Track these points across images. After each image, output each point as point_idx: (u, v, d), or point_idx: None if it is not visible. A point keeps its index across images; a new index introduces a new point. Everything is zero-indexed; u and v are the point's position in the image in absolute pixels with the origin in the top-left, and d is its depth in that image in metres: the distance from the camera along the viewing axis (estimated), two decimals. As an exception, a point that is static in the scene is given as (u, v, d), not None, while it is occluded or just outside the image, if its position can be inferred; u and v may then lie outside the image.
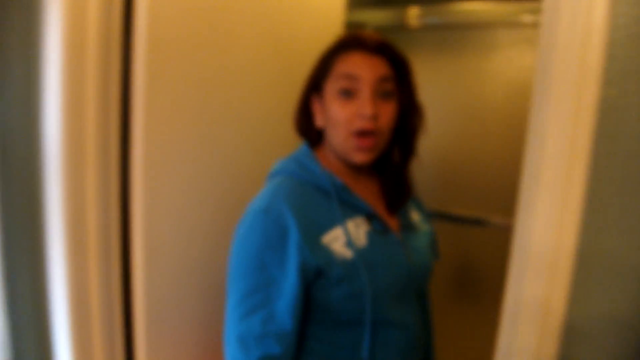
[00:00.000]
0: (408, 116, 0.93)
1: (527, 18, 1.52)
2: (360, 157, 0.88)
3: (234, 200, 1.09)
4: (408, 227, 0.99)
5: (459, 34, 1.76)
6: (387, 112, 0.87)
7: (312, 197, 0.88)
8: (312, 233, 0.83)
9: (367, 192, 0.96)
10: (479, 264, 1.93)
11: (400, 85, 0.90)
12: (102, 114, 0.91)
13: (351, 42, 0.88)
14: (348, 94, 0.85)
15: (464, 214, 1.80)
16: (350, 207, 0.90)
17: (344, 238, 0.85)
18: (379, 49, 0.87)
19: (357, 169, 0.94)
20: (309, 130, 0.96)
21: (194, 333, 1.11)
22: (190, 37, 0.97)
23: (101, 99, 0.91)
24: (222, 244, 1.07)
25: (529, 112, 0.88)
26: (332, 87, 0.88)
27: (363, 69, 0.85)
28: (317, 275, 0.83)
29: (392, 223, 0.96)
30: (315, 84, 0.92)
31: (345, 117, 0.85)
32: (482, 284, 1.92)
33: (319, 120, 0.92)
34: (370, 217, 0.91)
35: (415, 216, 1.03)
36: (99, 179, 0.92)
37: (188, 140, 1.04)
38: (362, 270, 0.84)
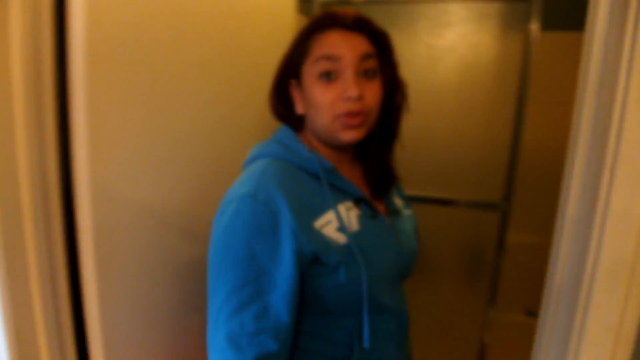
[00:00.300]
0: (392, 94, 0.90)
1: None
2: (349, 136, 0.83)
3: (195, 192, 1.05)
4: (394, 212, 0.97)
5: (410, 8, 1.72)
6: (373, 91, 0.83)
7: (301, 180, 0.82)
8: (305, 217, 0.78)
9: (351, 176, 0.92)
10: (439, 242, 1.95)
11: (382, 62, 0.86)
12: (33, 115, 0.84)
13: (327, 20, 0.82)
14: (329, 76, 0.81)
15: (416, 194, 1.81)
16: (338, 191, 0.86)
17: (337, 223, 0.81)
18: (356, 26, 0.82)
19: (340, 154, 0.91)
20: (290, 116, 0.91)
21: (158, 338, 1.05)
22: (135, 30, 0.92)
23: (31, 98, 0.84)
24: (186, 238, 1.04)
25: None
26: (310, 71, 0.82)
27: (343, 48, 0.80)
28: (312, 262, 0.78)
29: (380, 208, 0.94)
30: (291, 70, 0.87)
31: (329, 101, 0.81)
32: (448, 261, 1.95)
33: (300, 108, 0.88)
34: (359, 201, 0.88)
35: (398, 201, 1.01)
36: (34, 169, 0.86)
37: (138, 136, 0.98)
38: (357, 255, 0.80)
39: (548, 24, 1.90)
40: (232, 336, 0.73)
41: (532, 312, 2.63)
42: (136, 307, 0.94)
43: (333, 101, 0.81)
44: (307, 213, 0.79)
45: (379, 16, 1.70)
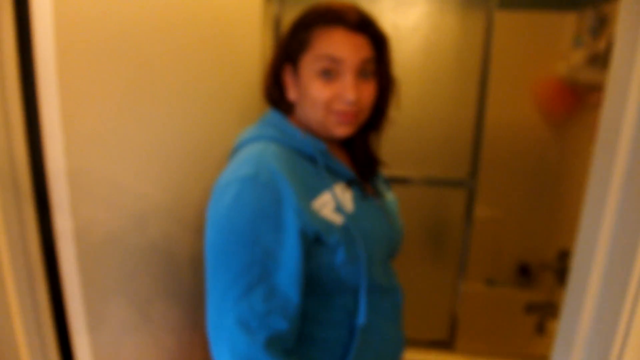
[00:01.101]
0: (385, 92, 0.93)
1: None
2: (341, 131, 0.86)
3: (181, 186, 1.02)
4: (380, 193, 1.00)
5: None
6: (368, 91, 0.86)
7: (297, 161, 0.83)
8: (305, 198, 0.79)
9: (340, 159, 0.95)
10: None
11: (379, 64, 0.88)
12: None
13: (332, 16, 0.82)
14: (329, 74, 0.82)
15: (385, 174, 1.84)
16: (331, 173, 0.88)
17: (333, 203, 0.83)
18: (361, 26, 0.82)
19: (328, 140, 0.93)
20: (281, 100, 0.92)
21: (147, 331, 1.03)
22: (107, 28, 0.87)
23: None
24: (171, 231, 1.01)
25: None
26: (311, 65, 0.83)
27: (346, 51, 0.81)
28: (313, 242, 0.79)
29: (369, 190, 0.97)
30: (288, 56, 0.87)
31: (326, 98, 0.83)
32: (417, 238, 2.00)
33: (292, 94, 0.89)
34: (351, 182, 0.90)
35: (380, 184, 1.04)
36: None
37: (117, 128, 0.92)
38: (356, 234, 0.82)
39: (506, 3, 1.94)
40: (241, 319, 0.73)
41: (492, 281, 2.75)
42: (123, 307, 0.91)
43: (330, 98, 0.83)
44: (306, 194, 0.79)
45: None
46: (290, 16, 1.74)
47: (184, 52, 1.01)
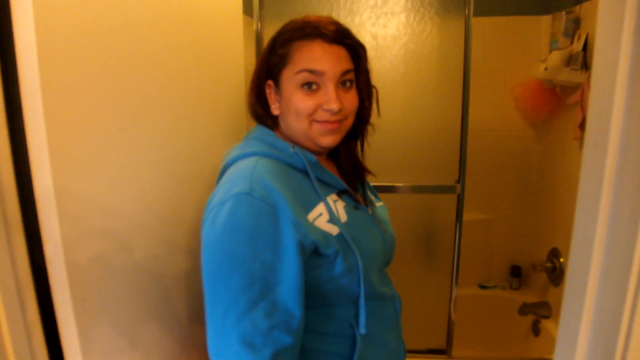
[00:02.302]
0: (366, 100, 0.95)
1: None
2: (327, 141, 0.87)
3: (163, 200, 1.01)
4: (370, 202, 1.02)
5: None
6: (350, 100, 0.88)
7: (289, 174, 0.84)
8: (300, 210, 0.79)
9: (329, 170, 0.95)
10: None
11: (358, 73, 0.91)
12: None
13: (310, 30, 0.84)
14: (310, 86, 0.84)
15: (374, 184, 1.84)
16: (323, 184, 0.89)
17: (327, 215, 0.83)
18: (338, 39, 0.85)
19: (315, 152, 0.93)
20: (266, 116, 0.93)
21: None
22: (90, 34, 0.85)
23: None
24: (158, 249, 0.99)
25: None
26: (292, 79, 0.85)
27: (326, 63, 0.83)
28: (311, 254, 0.79)
29: (359, 198, 0.98)
30: (269, 72, 0.89)
31: (309, 110, 0.84)
32: (409, 245, 2.00)
33: (275, 109, 0.91)
34: (342, 192, 0.91)
35: (368, 192, 1.06)
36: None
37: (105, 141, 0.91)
38: (352, 243, 0.83)
39: (482, 10, 1.97)
40: (245, 338, 0.72)
41: (485, 284, 2.76)
42: (112, 330, 0.89)
43: (313, 109, 0.85)
44: (301, 207, 0.80)
45: (323, 7, 1.72)
46: (270, 32, 1.75)
47: (169, 70, 1.01)
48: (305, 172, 0.86)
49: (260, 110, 0.93)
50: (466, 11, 1.65)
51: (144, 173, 0.95)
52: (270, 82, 0.90)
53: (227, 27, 1.30)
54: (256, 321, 0.72)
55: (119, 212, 0.89)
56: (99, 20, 0.81)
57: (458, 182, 1.75)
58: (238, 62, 1.36)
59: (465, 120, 1.70)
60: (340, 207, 0.87)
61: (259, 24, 1.75)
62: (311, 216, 0.81)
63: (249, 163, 0.82)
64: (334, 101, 0.83)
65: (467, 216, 1.80)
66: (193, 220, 1.10)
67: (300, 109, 0.84)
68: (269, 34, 1.75)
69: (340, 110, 0.84)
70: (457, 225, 1.80)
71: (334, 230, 0.83)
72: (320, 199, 0.84)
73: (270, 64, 0.88)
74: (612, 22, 0.41)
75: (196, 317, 1.15)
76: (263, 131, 0.92)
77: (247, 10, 1.70)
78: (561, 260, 2.31)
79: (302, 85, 0.84)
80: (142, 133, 0.93)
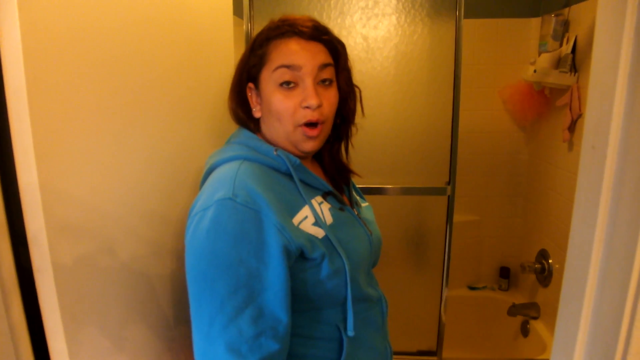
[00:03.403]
0: (347, 99, 0.93)
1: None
2: (309, 146, 0.86)
3: (152, 198, 0.99)
4: (355, 203, 1.01)
5: (343, 0, 1.71)
6: (330, 99, 0.87)
7: (273, 178, 0.82)
8: (285, 214, 0.78)
9: (314, 172, 0.94)
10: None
11: (338, 70, 0.90)
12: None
13: (285, 28, 0.84)
14: (289, 84, 0.83)
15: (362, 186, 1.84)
16: (307, 186, 0.88)
17: (312, 218, 0.82)
18: (315, 35, 0.84)
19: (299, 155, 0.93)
20: (248, 119, 0.92)
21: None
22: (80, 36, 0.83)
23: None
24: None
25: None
26: (270, 78, 0.84)
27: (302, 58, 0.82)
28: (297, 258, 0.78)
29: (345, 200, 0.97)
30: (248, 74, 0.88)
31: (290, 109, 0.83)
32: (399, 248, 1.99)
33: (257, 112, 0.90)
34: (327, 194, 0.90)
35: (353, 193, 1.05)
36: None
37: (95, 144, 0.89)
38: (337, 246, 0.82)
39: (473, 13, 1.98)
40: (231, 345, 0.71)
41: (473, 287, 2.77)
42: (98, 332, 0.87)
43: (293, 109, 0.83)
44: (285, 210, 0.78)
45: (313, 9, 1.72)
46: (260, 32, 1.74)
47: (158, 71, 0.99)
48: (289, 175, 0.85)
49: (242, 114, 0.92)
50: (457, 13, 1.65)
51: (130, 174, 0.93)
52: (250, 85, 0.89)
53: (217, 28, 1.28)
54: (242, 328, 0.71)
55: (105, 213, 0.87)
56: (86, 19, 0.79)
57: (448, 183, 1.76)
58: (228, 64, 1.35)
59: (456, 122, 1.70)
60: (325, 209, 0.86)
61: (249, 24, 1.73)
62: (296, 219, 0.80)
63: (232, 167, 0.80)
64: (312, 96, 0.82)
65: (456, 218, 1.80)
66: (179, 221, 1.09)
67: (280, 110, 0.84)
68: (259, 34, 1.74)
69: (319, 106, 0.83)
70: (448, 227, 1.80)
71: (319, 233, 0.82)
72: (305, 201, 0.83)
73: (249, 65, 0.88)
74: (612, 23, 0.41)
75: (183, 318, 1.14)
76: (245, 134, 0.90)
77: (237, 11, 1.69)
78: (550, 261, 2.33)
79: (281, 84, 0.83)
80: (129, 134, 0.92)
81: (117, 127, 0.88)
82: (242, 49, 1.72)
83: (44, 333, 0.77)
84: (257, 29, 1.74)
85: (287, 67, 0.82)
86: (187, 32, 1.11)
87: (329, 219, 0.85)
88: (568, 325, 0.46)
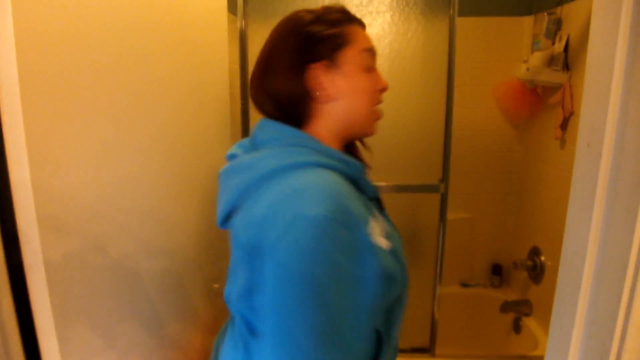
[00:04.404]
0: None
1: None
2: (374, 130, 0.89)
3: (144, 196, 0.99)
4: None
5: None
6: None
7: (350, 188, 0.73)
8: (366, 229, 0.71)
9: None
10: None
11: None
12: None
13: (351, 16, 0.85)
14: (370, 68, 0.84)
15: None
16: (362, 192, 0.81)
17: (379, 228, 0.75)
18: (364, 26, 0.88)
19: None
20: (303, 107, 0.80)
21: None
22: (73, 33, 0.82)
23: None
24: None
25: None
26: (356, 59, 0.80)
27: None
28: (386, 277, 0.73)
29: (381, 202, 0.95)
30: (318, 54, 0.79)
31: (374, 91, 0.84)
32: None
33: (332, 91, 0.80)
34: (376, 199, 0.90)
35: None
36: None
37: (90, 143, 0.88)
38: (401, 256, 0.80)
39: (466, 10, 1.98)
40: None
41: (466, 284, 2.78)
42: (89, 330, 0.87)
43: (374, 91, 0.85)
44: (364, 224, 0.72)
45: (308, 5, 1.71)
46: (255, 30, 1.73)
47: (153, 68, 0.98)
48: (350, 180, 0.77)
49: (296, 102, 0.80)
50: (451, 11, 1.65)
51: (122, 172, 0.92)
52: (325, 62, 0.79)
53: (212, 25, 1.28)
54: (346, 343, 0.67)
55: (97, 212, 0.87)
56: (79, 17, 0.79)
57: (442, 181, 1.76)
58: (222, 61, 1.34)
59: (450, 120, 1.71)
60: (379, 217, 0.80)
61: (243, 21, 1.72)
62: (369, 231, 0.72)
63: (321, 177, 0.70)
64: (383, 80, 0.86)
65: (449, 215, 1.81)
66: (171, 219, 1.08)
67: (368, 91, 0.83)
68: (253, 32, 1.73)
69: None
70: (441, 225, 1.80)
71: (386, 244, 0.75)
72: (369, 212, 0.76)
73: (317, 45, 0.79)
74: (607, 20, 0.41)
75: (174, 315, 1.14)
76: (296, 133, 0.79)
77: (231, 8, 1.68)
78: (542, 258, 2.34)
79: (366, 67, 0.82)
80: (121, 132, 0.91)
81: (109, 125, 0.87)
82: (236, 47, 1.73)
83: (35, 331, 0.77)
84: (252, 26, 1.74)
85: (371, 51, 0.84)
86: (180, 29, 1.10)
87: (386, 228, 0.80)
88: (563, 323, 0.46)
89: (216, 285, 1.29)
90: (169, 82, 1.05)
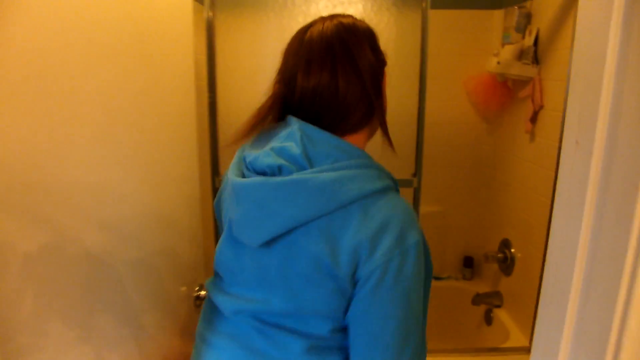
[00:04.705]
0: None
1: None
2: None
3: (114, 187, 0.92)
4: None
5: None
6: None
7: None
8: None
9: None
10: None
11: None
12: None
13: None
14: None
15: None
16: None
17: None
18: None
19: None
20: (371, 117, 0.87)
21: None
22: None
23: None
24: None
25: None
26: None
27: None
28: None
29: None
30: (383, 70, 0.89)
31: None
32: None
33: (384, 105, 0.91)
34: None
35: None
36: None
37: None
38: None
39: (436, 3, 1.96)
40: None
41: (437, 277, 2.80)
42: (62, 322, 0.81)
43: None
44: None
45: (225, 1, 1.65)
46: (222, 20, 1.67)
47: (109, 64, 0.92)
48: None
49: (371, 113, 0.87)
50: (423, 4, 1.63)
51: (91, 162, 0.87)
52: (385, 77, 0.90)
53: (175, 15, 1.21)
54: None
55: (67, 201, 0.82)
56: (31, 11, 0.72)
57: (414, 175, 1.74)
58: (187, 54, 1.28)
59: (422, 114, 1.69)
60: None
61: (210, 12, 1.66)
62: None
63: (400, 206, 0.80)
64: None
65: (420, 208, 1.80)
66: (144, 208, 1.05)
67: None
68: (220, 22, 1.66)
69: None
70: (414, 219, 1.78)
71: None
72: None
73: (381, 61, 0.89)
74: (598, 9, 0.38)
75: (148, 305, 1.12)
76: (358, 152, 0.82)
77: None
78: (512, 250, 2.36)
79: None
80: (78, 123, 0.85)
81: (62, 117, 0.81)
82: (203, 39, 1.66)
83: None
84: (219, 16, 1.68)
85: None
86: (140, 19, 1.03)
87: None
88: (549, 337, 0.43)
89: (183, 289, 1.23)
90: (129, 78, 0.99)
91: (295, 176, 0.74)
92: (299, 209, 0.74)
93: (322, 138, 0.79)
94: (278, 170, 0.76)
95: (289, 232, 0.76)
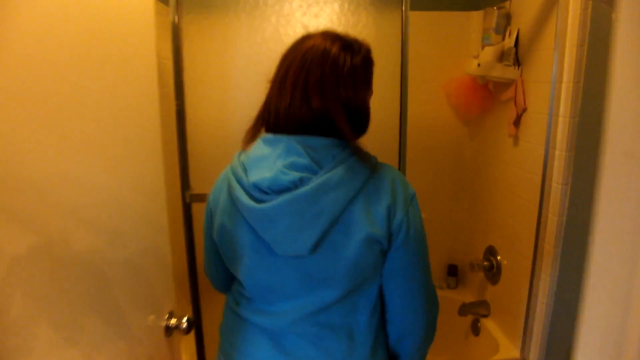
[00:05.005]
0: None
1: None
2: None
3: (103, 185, 0.81)
4: None
5: None
6: None
7: None
8: None
9: None
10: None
11: None
12: None
13: None
14: None
15: None
16: None
17: None
18: None
19: None
20: (366, 124, 1.00)
21: None
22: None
23: None
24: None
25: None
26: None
27: None
28: None
29: None
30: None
31: None
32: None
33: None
34: None
35: None
36: None
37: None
38: None
39: (415, 5, 1.89)
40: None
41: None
42: (49, 325, 0.70)
43: None
44: None
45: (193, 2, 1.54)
46: (189, 23, 1.55)
47: (63, 69, 0.80)
48: None
49: (366, 119, 0.99)
50: (402, 7, 1.55)
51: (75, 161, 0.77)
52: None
53: (134, 15, 1.09)
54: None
55: (55, 201, 0.78)
56: None
57: (399, 183, 1.65)
58: (150, 58, 1.16)
59: (404, 118, 1.61)
60: None
61: (176, 15, 1.54)
62: None
63: (389, 165, 0.99)
64: None
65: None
66: (132, 207, 1.03)
67: None
68: (187, 25, 1.55)
69: None
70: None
71: None
72: None
73: (371, 72, 1.01)
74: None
75: (136, 305, 1.06)
76: (342, 142, 0.92)
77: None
78: (498, 258, 2.30)
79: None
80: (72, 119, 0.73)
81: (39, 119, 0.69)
82: (167, 41, 1.54)
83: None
84: (186, 18, 1.56)
85: None
86: (97, 21, 0.92)
87: None
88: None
89: (151, 317, 1.11)
90: (88, 85, 0.87)
91: (319, 180, 0.84)
92: (332, 204, 0.85)
93: (322, 146, 0.89)
94: (300, 182, 0.85)
95: (330, 225, 0.86)
